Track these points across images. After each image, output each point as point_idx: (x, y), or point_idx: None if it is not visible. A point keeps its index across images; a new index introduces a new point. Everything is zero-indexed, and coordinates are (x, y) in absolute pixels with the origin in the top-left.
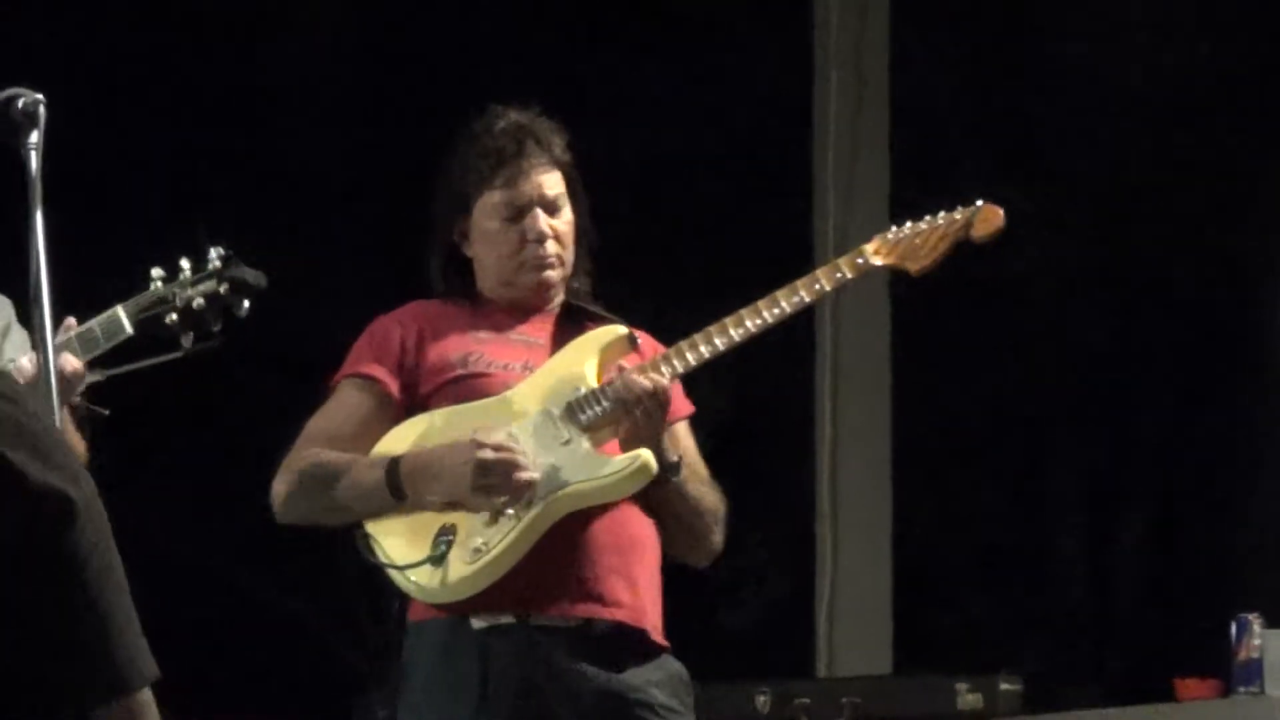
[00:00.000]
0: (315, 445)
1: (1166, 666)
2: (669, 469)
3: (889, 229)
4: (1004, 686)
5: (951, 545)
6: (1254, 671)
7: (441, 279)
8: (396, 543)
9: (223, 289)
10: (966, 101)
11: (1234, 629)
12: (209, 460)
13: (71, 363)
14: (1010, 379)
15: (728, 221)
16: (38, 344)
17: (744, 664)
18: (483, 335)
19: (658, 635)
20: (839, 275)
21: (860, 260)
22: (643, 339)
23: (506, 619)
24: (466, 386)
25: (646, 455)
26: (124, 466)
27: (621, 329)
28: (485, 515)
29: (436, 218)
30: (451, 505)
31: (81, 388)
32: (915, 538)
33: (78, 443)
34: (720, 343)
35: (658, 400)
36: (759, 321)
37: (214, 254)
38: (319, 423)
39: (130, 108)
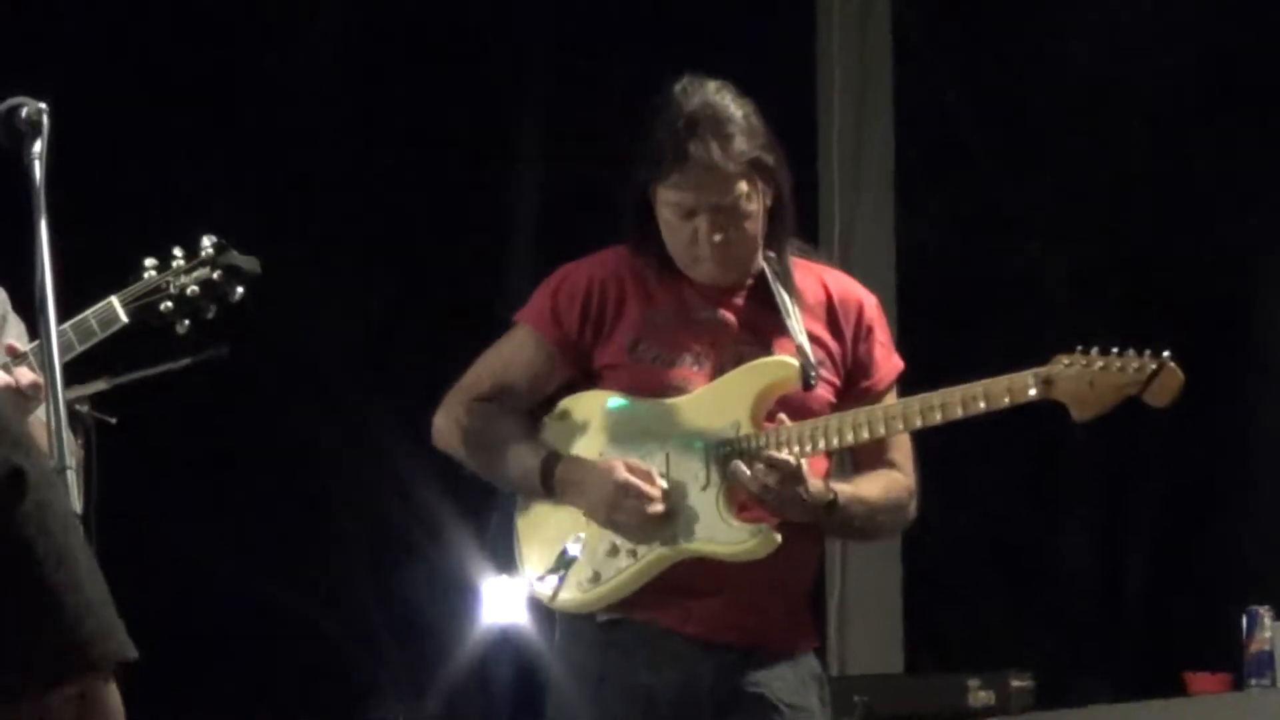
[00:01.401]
0: (483, 385)
1: (1178, 661)
2: (823, 510)
3: (1066, 355)
4: (1015, 683)
5: (962, 542)
6: (1265, 664)
7: (634, 242)
8: (532, 540)
9: (216, 275)
10: (970, 98)
11: (1245, 622)
12: (219, 464)
13: (27, 375)
14: None
15: None
16: (42, 350)
17: None
18: (663, 314)
19: (798, 642)
20: (1005, 397)
21: (1026, 383)
22: (854, 313)
23: (627, 616)
24: (633, 377)
25: (766, 532)
26: (133, 472)
27: (792, 364)
28: (609, 541)
29: (630, 175)
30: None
31: (39, 399)
32: (926, 535)
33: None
34: (870, 434)
35: (784, 479)
36: (914, 424)
37: (206, 242)
38: (492, 362)
39: (132, 107)
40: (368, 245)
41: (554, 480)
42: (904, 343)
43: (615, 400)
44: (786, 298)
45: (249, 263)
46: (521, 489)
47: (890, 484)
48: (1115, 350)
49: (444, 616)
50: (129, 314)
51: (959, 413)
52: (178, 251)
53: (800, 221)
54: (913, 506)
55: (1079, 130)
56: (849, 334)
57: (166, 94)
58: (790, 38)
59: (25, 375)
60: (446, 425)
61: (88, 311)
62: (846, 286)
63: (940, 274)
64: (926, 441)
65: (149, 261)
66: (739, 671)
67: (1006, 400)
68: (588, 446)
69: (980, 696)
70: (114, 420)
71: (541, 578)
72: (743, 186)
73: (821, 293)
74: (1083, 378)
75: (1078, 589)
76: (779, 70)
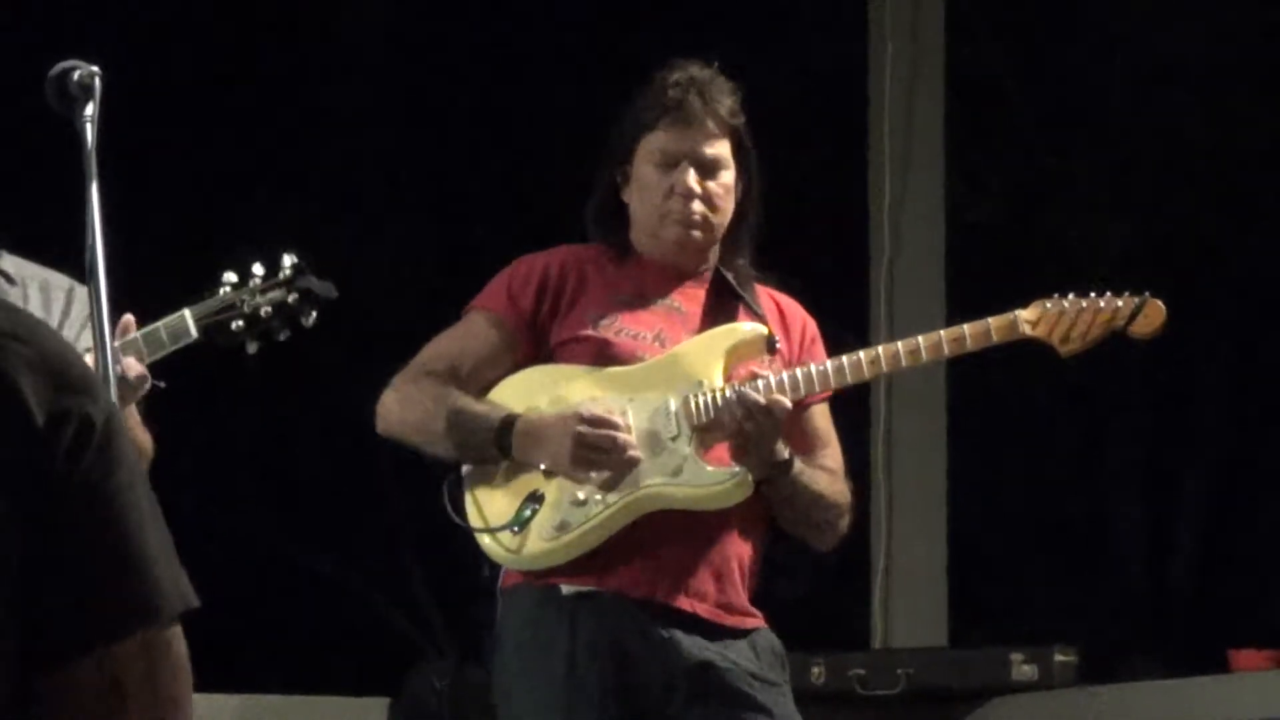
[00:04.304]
0: (434, 368)
1: (1223, 637)
2: (779, 467)
3: (1049, 298)
4: (1059, 658)
5: (1007, 516)
6: None
7: (596, 222)
8: (486, 500)
9: (291, 298)
10: (1022, 70)
11: None
12: (261, 432)
13: (135, 367)
14: None
15: (782, 190)
16: (92, 316)
17: (799, 635)
18: (624, 296)
19: (748, 618)
20: (985, 332)
21: (1011, 322)
22: (799, 326)
23: (594, 587)
24: (592, 349)
25: (742, 475)
26: (177, 438)
27: (761, 330)
28: (573, 492)
29: (602, 161)
30: (551, 473)
31: (145, 390)
32: (971, 509)
33: (144, 438)
34: (851, 378)
35: (773, 419)
36: (898, 363)
37: (286, 261)
38: (443, 346)
39: (194, 96)
40: (423, 222)
41: (511, 438)
42: (954, 318)
43: (567, 368)
44: (746, 295)
45: (324, 287)
46: (472, 455)
47: (832, 482)
48: (1094, 294)
49: (490, 586)
50: (200, 329)
51: (943, 353)
52: (257, 269)
53: (848, 192)
54: (846, 521)
55: (1131, 102)
56: (795, 339)
57: (221, 70)
58: (842, 9)
59: (133, 367)
60: (395, 400)
61: (159, 323)
62: (794, 304)
63: (991, 247)
64: (973, 416)
65: (227, 275)
66: (709, 647)
67: (995, 338)
68: (545, 409)
69: (1024, 670)
70: (163, 384)
71: (500, 529)
72: (727, 147)
73: (771, 303)
74: (1066, 315)
75: (1123, 564)
76: (831, 42)
